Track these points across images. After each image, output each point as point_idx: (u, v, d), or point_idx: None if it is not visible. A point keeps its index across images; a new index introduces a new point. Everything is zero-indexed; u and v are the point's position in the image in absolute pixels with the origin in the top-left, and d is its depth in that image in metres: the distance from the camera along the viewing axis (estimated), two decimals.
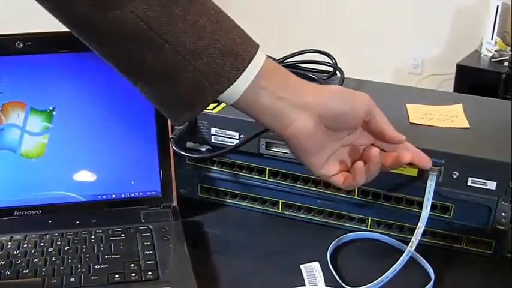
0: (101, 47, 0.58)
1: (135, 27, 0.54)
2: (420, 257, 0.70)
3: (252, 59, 0.58)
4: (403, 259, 0.64)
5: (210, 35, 0.56)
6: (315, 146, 0.62)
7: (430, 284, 0.66)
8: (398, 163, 0.64)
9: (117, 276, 0.65)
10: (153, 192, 0.78)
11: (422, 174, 0.70)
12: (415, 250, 0.66)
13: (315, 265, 0.67)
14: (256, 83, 0.58)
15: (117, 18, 0.54)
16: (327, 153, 0.63)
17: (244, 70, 0.57)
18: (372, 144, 0.65)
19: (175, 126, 0.77)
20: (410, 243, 0.63)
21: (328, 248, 0.71)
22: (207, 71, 0.57)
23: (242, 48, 0.58)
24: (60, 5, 0.55)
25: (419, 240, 0.74)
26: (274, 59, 0.91)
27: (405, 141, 0.64)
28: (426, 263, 0.69)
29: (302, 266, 0.67)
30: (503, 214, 0.69)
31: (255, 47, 0.59)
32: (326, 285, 0.65)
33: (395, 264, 0.64)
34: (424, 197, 0.67)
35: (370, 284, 0.64)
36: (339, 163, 0.64)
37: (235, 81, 0.57)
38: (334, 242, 0.73)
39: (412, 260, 0.69)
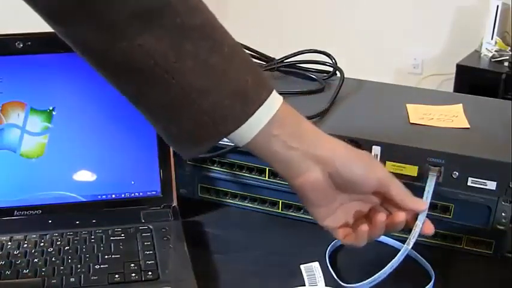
0: (107, 75, 0.57)
1: (141, 61, 0.53)
2: (421, 257, 0.70)
3: (262, 104, 0.56)
4: (399, 256, 0.64)
5: (220, 75, 0.54)
6: (323, 199, 0.61)
7: (430, 284, 0.66)
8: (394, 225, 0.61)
9: (117, 276, 0.65)
10: (153, 192, 0.78)
11: (423, 174, 0.70)
12: (415, 251, 0.66)
13: (315, 265, 0.67)
14: (268, 129, 0.56)
15: (124, 50, 0.52)
16: (335, 206, 0.62)
17: (252, 115, 0.55)
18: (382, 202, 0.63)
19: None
20: (408, 240, 0.63)
21: (327, 249, 0.71)
22: (213, 111, 0.55)
23: (254, 91, 0.56)
24: (69, 30, 0.54)
25: (420, 240, 0.74)
26: (273, 59, 0.92)
27: (426, 209, 0.62)
28: (427, 263, 0.69)
29: (302, 266, 0.67)
30: (503, 214, 0.69)
31: (269, 89, 0.57)
32: (326, 285, 0.65)
33: (392, 261, 0.64)
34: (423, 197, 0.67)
35: (367, 280, 0.64)
36: (344, 217, 0.62)
37: (241, 125, 0.55)
38: (333, 243, 0.73)
39: (412, 261, 0.69)
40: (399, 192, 0.61)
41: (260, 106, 0.55)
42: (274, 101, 0.57)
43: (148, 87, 0.55)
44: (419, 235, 0.62)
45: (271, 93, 0.57)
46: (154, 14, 0.52)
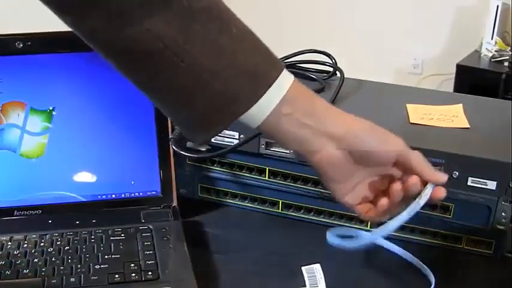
0: (117, 63, 0.56)
1: (150, 46, 0.53)
2: (421, 263, 0.69)
3: (272, 83, 0.55)
4: (410, 211, 0.60)
5: (230, 55, 0.54)
6: (342, 175, 0.60)
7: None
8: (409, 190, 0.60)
9: (117, 276, 0.65)
10: (153, 192, 0.78)
11: None
12: (415, 256, 0.65)
13: (316, 267, 0.67)
14: (278, 109, 0.56)
15: (133, 36, 0.52)
16: (354, 181, 0.61)
17: (264, 94, 0.55)
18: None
19: (176, 126, 0.77)
20: (419, 196, 0.60)
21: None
22: (225, 92, 0.54)
23: (264, 71, 0.55)
24: (77, 19, 0.54)
25: (420, 240, 0.74)
26: None
27: (445, 181, 0.60)
28: (426, 268, 0.69)
29: (303, 268, 0.67)
30: (503, 214, 0.69)
31: (279, 69, 0.56)
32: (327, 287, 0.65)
33: (403, 213, 0.60)
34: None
35: (378, 229, 0.61)
36: (365, 193, 0.61)
37: (253, 105, 0.55)
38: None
39: (412, 266, 0.69)
40: (419, 162, 0.60)
41: (270, 86, 0.55)
42: (285, 80, 0.57)
43: (159, 72, 0.55)
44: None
45: (281, 72, 0.56)
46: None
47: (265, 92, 0.55)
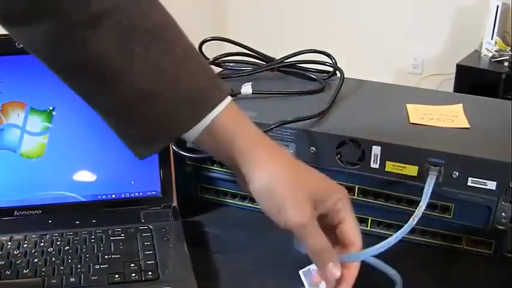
0: (59, 77, 0.56)
1: (91, 64, 0.53)
2: (386, 264, 0.67)
3: (215, 106, 0.55)
4: (405, 229, 0.62)
5: (171, 78, 0.54)
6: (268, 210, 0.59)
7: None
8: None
9: (117, 276, 0.65)
10: (153, 192, 0.78)
11: (423, 174, 0.70)
12: (378, 258, 0.65)
13: (313, 267, 0.66)
14: (212, 128, 0.56)
15: (74, 53, 0.52)
16: None
17: (204, 118, 0.55)
18: None
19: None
20: (413, 216, 0.62)
21: None
22: (164, 116, 0.54)
23: (207, 94, 0.55)
24: (21, 32, 0.54)
25: (420, 240, 0.74)
26: (273, 59, 0.92)
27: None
28: (392, 269, 0.66)
29: (301, 272, 0.65)
30: (503, 214, 0.69)
31: (222, 92, 0.56)
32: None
33: (397, 232, 0.61)
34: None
35: (372, 248, 0.61)
36: None
37: (193, 127, 0.55)
38: None
39: (377, 270, 0.67)
40: (313, 245, 0.58)
41: (213, 109, 0.55)
42: (225, 102, 0.56)
43: (99, 89, 0.55)
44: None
45: (225, 96, 0.56)
46: (102, 17, 0.51)
47: (206, 115, 0.55)
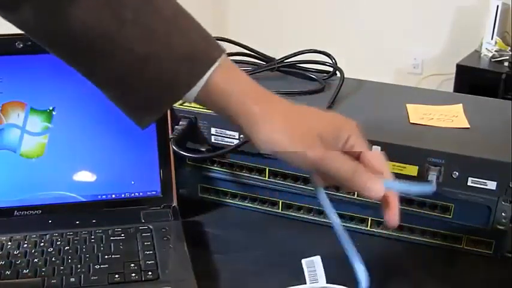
0: (56, 54, 0.56)
1: (82, 35, 0.52)
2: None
3: (212, 65, 0.54)
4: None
5: (164, 40, 0.53)
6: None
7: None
8: None
9: (117, 276, 0.65)
10: (153, 192, 0.78)
11: (423, 174, 0.70)
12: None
13: (316, 260, 0.66)
14: (214, 82, 0.55)
15: (65, 25, 0.52)
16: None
17: (203, 76, 0.54)
18: None
19: (175, 126, 0.77)
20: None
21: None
22: (161, 78, 0.54)
23: (202, 51, 0.54)
24: (9, 13, 0.53)
25: (420, 240, 0.74)
26: (273, 59, 0.91)
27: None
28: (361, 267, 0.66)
29: (303, 261, 0.66)
30: (503, 214, 0.69)
31: (218, 50, 0.55)
32: (327, 283, 0.64)
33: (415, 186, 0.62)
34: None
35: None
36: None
37: (193, 86, 0.54)
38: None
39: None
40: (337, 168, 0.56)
41: (210, 67, 0.54)
42: (220, 62, 0.55)
43: (94, 60, 0.54)
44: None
45: (220, 54, 0.55)
46: None
47: (204, 74, 0.54)
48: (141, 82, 0.54)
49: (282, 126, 0.56)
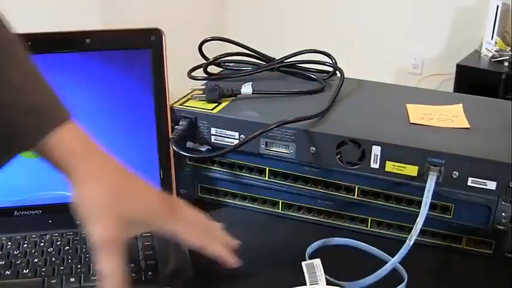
0: None
1: None
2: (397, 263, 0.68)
3: (58, 125, 0.56)
4: (402, 251, 0.63)
5: (18, 89, 0.54)
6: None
7: (403, 284, 0.66)
8: None
9: None
10: None
11: (423, 174, 0.70)
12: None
13: (316, 262, 0.66)
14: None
15: None
16: None
17: (47, 134, 0.56)
18: None
19: (176, 126, 0.77)
20: (409, 236, 0.63)
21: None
22: (7, 127, 0.54)
23: (51, 111, 0.56)
24: None
25: (420, 240, 0.74)
26: (273, 59, 0.92)
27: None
28: (401, 266, 0.67)
29: (303, 263, 0.66)
30: (503, 214, 0.69)
31: (66, 114, 0.58)
32: (327, 284, 0.65)
33: (393, 258, 0.64)
34: (423, 196, 0.67)
35: (366, 278, 0.63)
36: None
37: (35, 144, 0.56)
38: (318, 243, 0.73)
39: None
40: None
41: (56, 127, 0.56)
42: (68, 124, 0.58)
43: None
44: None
45: (68, 117, 0.58)
46: None
47: (51, 131, 0.56)
48: None
49: (95, 196, 0.59)
